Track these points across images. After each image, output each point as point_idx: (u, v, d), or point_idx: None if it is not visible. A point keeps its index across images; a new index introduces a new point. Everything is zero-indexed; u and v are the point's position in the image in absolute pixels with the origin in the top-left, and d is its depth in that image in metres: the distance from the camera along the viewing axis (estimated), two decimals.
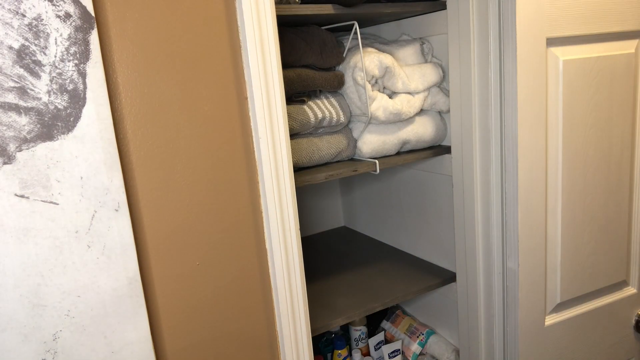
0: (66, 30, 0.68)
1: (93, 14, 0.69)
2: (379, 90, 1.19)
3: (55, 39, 0.68)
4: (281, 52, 0.85)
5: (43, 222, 0.70)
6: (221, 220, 0.87)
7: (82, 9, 0.68)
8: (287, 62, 1.06)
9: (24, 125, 0.67)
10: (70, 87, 0.69)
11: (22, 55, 0.66)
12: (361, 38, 1.13)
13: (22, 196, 0.68)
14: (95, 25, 0.70)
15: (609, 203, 1.20)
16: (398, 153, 1.28)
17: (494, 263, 1.18)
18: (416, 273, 1.38)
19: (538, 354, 1.19)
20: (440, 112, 1.32)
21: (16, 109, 0.66)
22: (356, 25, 1.10)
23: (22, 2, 0.65)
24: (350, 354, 1.47)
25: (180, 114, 0.81)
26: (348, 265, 1.46)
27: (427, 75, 1.23)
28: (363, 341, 1.50)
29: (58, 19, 0.67)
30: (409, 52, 1.25)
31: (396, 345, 1.47)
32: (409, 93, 1.23)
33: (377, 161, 1.17)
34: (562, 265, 1.17)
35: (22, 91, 0.67)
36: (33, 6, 0.65)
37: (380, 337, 1.50)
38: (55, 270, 0.72)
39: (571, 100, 1.09)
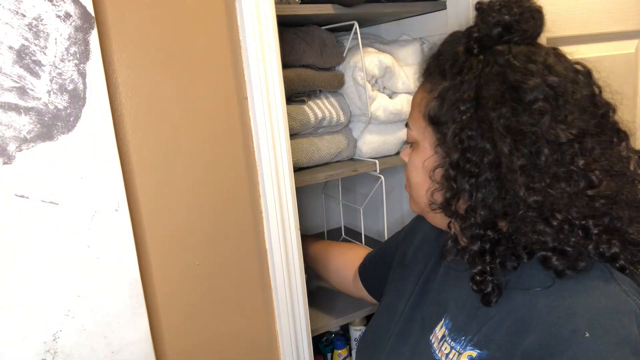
0: (66, 30, 0.68)
1: (93, 14, 0.69)
2: (379, 90, 1.19)
3: (55, 39, 0.68)
4: (281, 52, 0.85)
5: (43, 222, 0.70)
6: (221, 220, 0.87)
7: (82, 8, 0.68)
8: (287, 62, 1.06)
9: (23, 125, 0.67)
10: (70, 87, 0.69)
11: (22, 55, 0.66)
12: (361, 38, 1.13)
13: (22, 196, 0.68)
14: (95, 25, 0.70)
15: None
16: (398, 153, 1.28)
17: None
18: None
19: None
20: None
21: (16, 109, 0.66)
22: (356, 25, 1.10)
23: (22, 2, 0.65)
24: (350, 354, 1.47)
25: (180, 114, 0.81)
26: None
27: None
28: None
29: (58, 19, 0.67)
30: (409, 52, 1.25)
31: None
32: (409, 93, 1.23)
33: (377, 161, 1.17)
34: None
35: (22, 91, 0.67)
36: (33, 6, 0.65)
37: None
38: (55, 270, 0.72)
39: None
